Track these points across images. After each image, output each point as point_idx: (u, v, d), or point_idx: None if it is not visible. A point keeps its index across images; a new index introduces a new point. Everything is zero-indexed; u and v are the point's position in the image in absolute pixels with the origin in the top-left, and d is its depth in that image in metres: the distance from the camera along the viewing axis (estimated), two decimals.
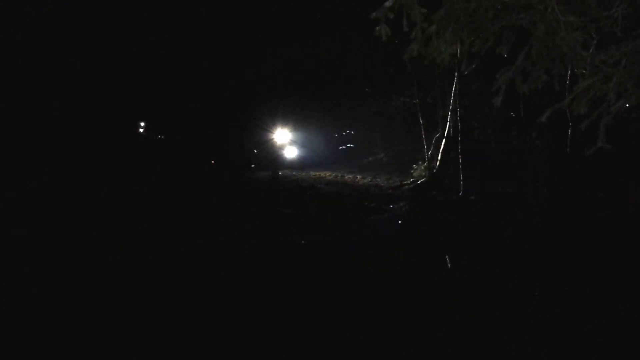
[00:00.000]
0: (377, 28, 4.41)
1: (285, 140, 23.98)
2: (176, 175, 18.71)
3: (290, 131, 23.85)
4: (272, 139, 22.60)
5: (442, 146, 18.62)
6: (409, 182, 19.11)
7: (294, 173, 23.75)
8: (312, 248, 10.64)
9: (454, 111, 17.23)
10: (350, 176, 22.79)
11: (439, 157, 18.75)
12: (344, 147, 31.06)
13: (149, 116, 24.06)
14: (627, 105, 5.82)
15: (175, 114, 22.23)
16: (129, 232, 11.82)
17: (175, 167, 20.14)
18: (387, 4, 4.23)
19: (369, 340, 6.04)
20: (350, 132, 30.82)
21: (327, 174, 23.58)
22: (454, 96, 17.06)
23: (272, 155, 22.05)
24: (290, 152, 26.75)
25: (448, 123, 18.09)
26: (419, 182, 18.58)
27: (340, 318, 6.76)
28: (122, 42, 17.86)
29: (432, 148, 20.26)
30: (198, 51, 20.78)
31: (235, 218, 13.86)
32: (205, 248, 10.74)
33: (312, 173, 24.10)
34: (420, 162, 20.51)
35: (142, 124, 24.67)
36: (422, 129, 20.14)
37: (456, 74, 16.12)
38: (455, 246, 10.73)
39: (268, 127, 22.61)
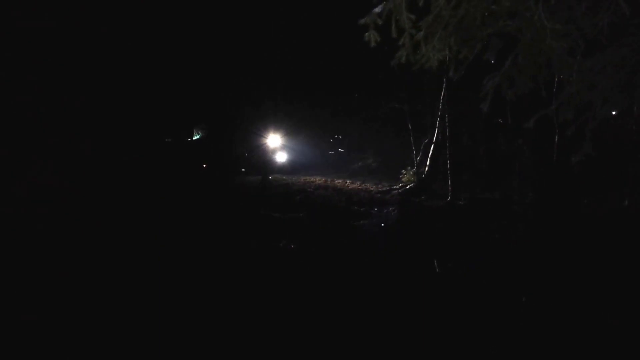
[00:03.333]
0: (366, 34, 4.44)
1: (276, 145, 24.00)
2: (168, 178, 18.64)
3: (281, 136, 23.88)
4: (264, 143, 22.60)
5: (431, 152, 18.73)
6: (397, 187, 19.18)
7: (284, 177, 23.76)
8: (302, 252, 10.66)
9: (442, 117, 17.34)
10: (340, 181, 22.84)
11: (428, 163, 18.85)
12: (333, 152, 31.11)
13: (141, 119, 23.92)
14: (613, 112, 5.91)
15: (167, 117, 22.12)
16: (125, 233, 11.80)
17: (167, 170, 20.05)
18: (376, 10, 4.27)
19: (364, 341, 6.08)
20: (339, 138, 30.89)
21: (317, 179, 23.60)
22: (442, 102, 17.16)
23: (263, 159, 22.03)
24: (281, 157, 26.79)
25: (436, 129, 18.20)
26: (407, 187, 18.65)
27: (332, 319, 6.78)
28: (117, 42, 17.75)
29: (420, 154, 20.36)
30: (192, 55, 20.74)
31: (225, 221, 13.87)
32: (197, 250, 10.75)
33: (302, 177, 24.13)
34: (409, 168, 20.59)
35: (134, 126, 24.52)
36: (411, 135, 20.23)
37: (445, 80, 16.22)
38: (444, 250, 10.81)
39: (259, 132, 22.61)
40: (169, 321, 6.77)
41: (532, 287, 7.82)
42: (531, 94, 5.85)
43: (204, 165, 24.02)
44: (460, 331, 6.37)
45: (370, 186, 20.63)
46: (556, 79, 7.78)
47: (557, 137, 10.66)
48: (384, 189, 19.41)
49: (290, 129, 24.12)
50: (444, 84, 16.51)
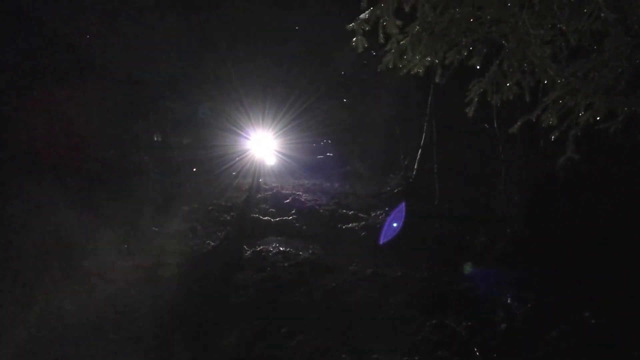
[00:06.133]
0: (354, 39, 4.51)
1: (266, 149, 24.02)
2: (157, 182, 18.56)
3: (271, 140, 23.91)
4: (253, 147, 22.61)
5: (419, 156, 18.82)
6: (386, 190, 19.24)
7: (274, 181, 23.79)
8: (291, 255, 10.70)
9: (429, 122, 17.45)
10: (329, 184, 22.90)
11: (415, 167, 18.95)
12: (322, 156, 31.19)
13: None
14: (597, 117, 6.01)
15: (152, 118, 21.93)
16: (111, 239, 11.77)
17: (155, 173, 19.92)
18: (363, 15, 4.34)
19: (354, 339, 6.16)
20: (328, 142, 30.97)
21: (306, 182, 23.65)
22: (429, 107, 17.28)
23: (252, 163, 22.04)
24: (271, 161, 26.82)
25: (424, 133, 18.30)
26: (395, 190, 18.73)
27: (318, 321, 6.84)
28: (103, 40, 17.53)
29: (408, 158, 20.46)
30: (180, 57, 20.58)
31: (215, 224, 13.89)
32: (186, 254, 10.78)
33: (292, 181, 24.18)
34: (397, 171, 20.69)
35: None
36: (399, 139, 20.35)
37: (432, 85, 16.35)
38: (431, 254, 10.89)
39: (249, 136, 22.61)
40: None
41: (514, 289, 7.91)
42: (516, 99, 5.95)
43: (194, 170, 23.94)
44: (450, 328, 6.46)
45: (358, 190, 20.68)
46: (541, 85, 7.88)
47: (542, 141, 10.79)
48: (372, 192, 19.46)
49: (280, 133, 24.15)
50: (431, 89, 16.64)
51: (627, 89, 5.63)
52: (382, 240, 12.30)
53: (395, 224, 13.24)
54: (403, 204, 15.38)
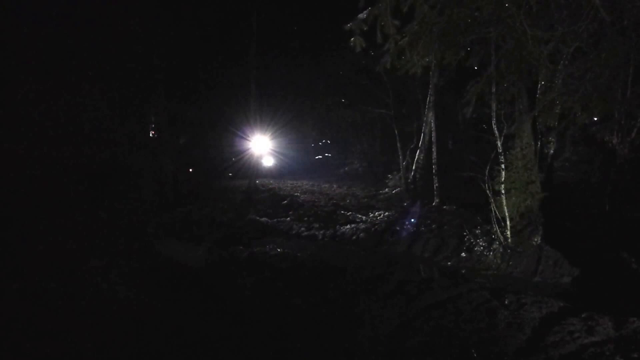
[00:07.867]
0: (352, 40, 4.52)
1: (263, 149, 24.04)
2: (153, 183, 18.54)
3: (268, 140, 23.93)
4: (250, 147, 22.62)
5: (417, 156, 18.83)
6: (384, 191, 19.28)
7: (271, 182, 23.80)
8: (288, 256, 10.69)
9: (428, 122, 17.46)
10: (327, 185, 22.90)
11: (414, 167, 18.95)
12: (320, 157, 31.22)
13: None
14: (595, 118, 6.03)
15: (152, 119, 21.90)
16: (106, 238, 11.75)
17: (152, 174, 19.91)
18: (361, 16, 4.35)
19: (352, 343, 6.16)
20: (327, 142, 31.01)
21: (304, 183, 23.66)
22: (428, 108, 17.29)
23: (249, 163, 22.04)
24: (268, 161, 26.85)
25: (422, 134, 18.31)
26: (394, 191, 18.76)
27: (317, 324, 6.84)
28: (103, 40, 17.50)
29: (407, 158, 20.47)
30: (177, 56, 20.58)
31: (211, 225, 13.88)
32: (182, 255, 10.76)
33: (289, 182, 24.18)
34: (395, 172, 20.70)
35: None
36: (397, 140, 20.34)
37: (430, 86, 16.37)
38: (428, 255, 10.91)
39: (246, 136, 22.62)
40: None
41: (510, 289, 7.93)
42: (514, 100, 5.97)
43: (190, 170, 23.94)
44: (445, 328, 6.48)
45: (357, 191, 20.71)
46: (539, 85, 7.91)
47: (540, 141, 10.81)
48: (371, 193, 19.50)
49: (278, 133, 24.19)
50: (430, 89, 16.66)
51: (623, 89, 5.65)
52: (381, 241, 12.30)
53: (395, 225, 13.24)
54: (405, 206, 15.40)
